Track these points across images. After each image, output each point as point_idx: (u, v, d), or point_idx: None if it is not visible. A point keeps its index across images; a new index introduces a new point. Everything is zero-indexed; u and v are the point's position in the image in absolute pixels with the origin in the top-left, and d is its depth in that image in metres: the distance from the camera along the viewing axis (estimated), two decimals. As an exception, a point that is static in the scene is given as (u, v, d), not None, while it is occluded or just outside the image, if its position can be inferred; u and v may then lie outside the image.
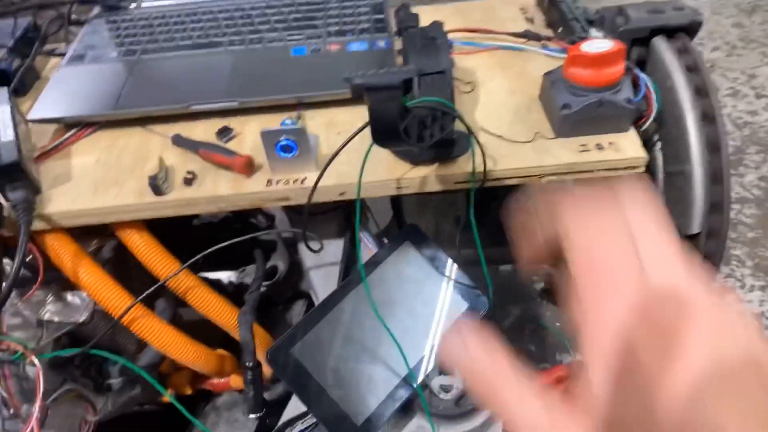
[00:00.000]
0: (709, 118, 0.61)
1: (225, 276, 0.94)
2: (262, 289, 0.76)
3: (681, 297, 0.19)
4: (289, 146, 0.53)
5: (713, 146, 0.61)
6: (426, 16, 0.78)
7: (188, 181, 0.56)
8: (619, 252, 0.20)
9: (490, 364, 0.21)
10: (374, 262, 0.64)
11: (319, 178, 0.48)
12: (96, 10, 0.82)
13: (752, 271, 1.34)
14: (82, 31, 0.78)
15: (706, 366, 0.18)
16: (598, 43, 0.53)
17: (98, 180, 0.58)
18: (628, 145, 0.56)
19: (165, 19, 0.77)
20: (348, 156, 0.53)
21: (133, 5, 0.82)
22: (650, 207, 0.22)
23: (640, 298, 0.19)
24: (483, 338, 0.21)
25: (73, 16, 0.82)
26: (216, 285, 0.91)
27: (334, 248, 0.70)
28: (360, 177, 0.53)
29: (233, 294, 0.91)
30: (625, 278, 0.20)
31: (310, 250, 0.57)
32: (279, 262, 0.86)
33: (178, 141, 0.60)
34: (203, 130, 0.63)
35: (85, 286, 0.58)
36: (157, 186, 0.54)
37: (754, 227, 1.43)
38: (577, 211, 0.22)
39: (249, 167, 0.56)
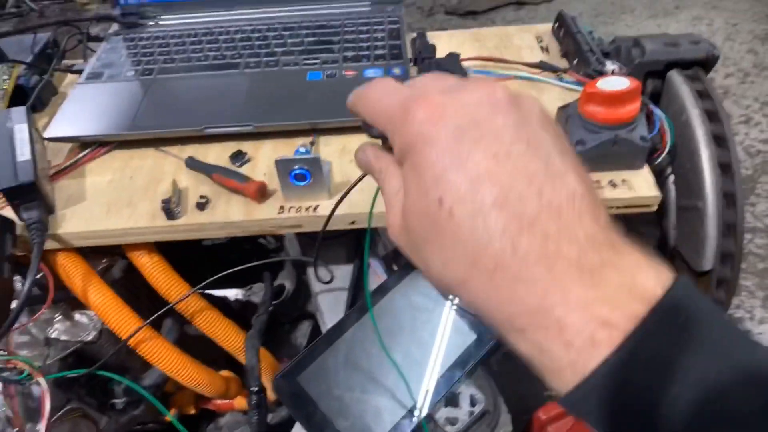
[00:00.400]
0: (723, 156, 0.61)
1: (232, 294, 0.94)
2: (270, 308, 0.76)
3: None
4: (302, 175, 0.53)
5: (727, 185, 0.61)
6: (442, 42, 0.79)
7: (201, 206, 0.57)
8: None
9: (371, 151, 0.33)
10: (383, 290, 0.64)
11: (332, 213, 0.48)
12: (114, 27, 0.83)
13: (762, 302, 1.33)
14: (100, 48, 0.79)
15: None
16: (613, 81, 0.53)
17: (111, 201, 0.59)
18: (641, 183, 0.56)
19: (182, 39, 0.78)
20: (360, 185, 0.53)
21: (151, 23, 0.83)
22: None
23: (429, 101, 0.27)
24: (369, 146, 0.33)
25: (92, 33, 0.83)
26: (222, 303, 0.92)
27: (343, 273, 0.70)
28: (372, 207, 0.53)
29: (239, 312, 0.91)
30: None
31: (320, 281, 0.57)
32: (286, 281, 0.86)
33: (192, 164, 0.61)
34: (217, 153, 0.63)
35: (93, 306, 0.58)
36: (170, 210, 0.55)
37: (765, 258, 1.41)
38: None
39: (261, 193, 0.56)
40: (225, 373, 0.74)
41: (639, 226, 0.73)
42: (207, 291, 0.72)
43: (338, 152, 0.63)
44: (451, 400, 0.62)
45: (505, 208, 0.23)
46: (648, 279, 0.22)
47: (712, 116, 0.62)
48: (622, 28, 2.28)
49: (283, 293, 0.88)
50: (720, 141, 0.61)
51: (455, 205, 0.24)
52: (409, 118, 0.26)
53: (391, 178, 0.29)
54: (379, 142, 0.34)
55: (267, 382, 0.66)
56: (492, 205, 0.23)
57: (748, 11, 2.30)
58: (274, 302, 0.83)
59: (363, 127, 0.32)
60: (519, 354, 0.24)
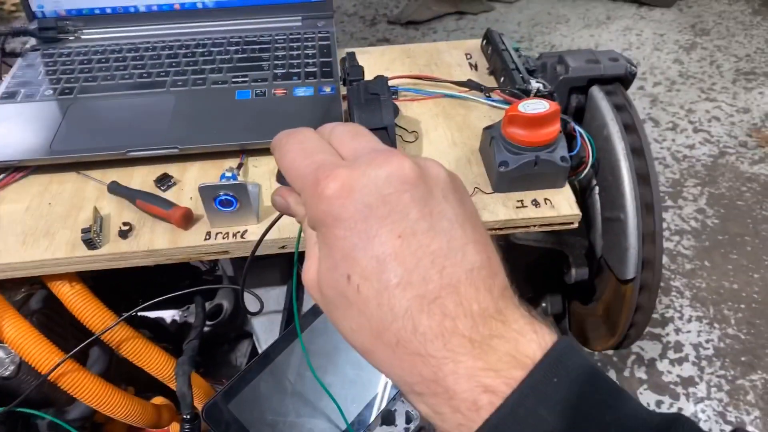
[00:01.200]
0: (641, 169, 0.64)
1: (168, 315, 0.91)
2: (206, 328, 0.74)
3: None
4: (228, 201, 0.52)
5: (646, 197, 0.64)
6: (374, 58, 0.79)
7: (124, 234, 0.55)
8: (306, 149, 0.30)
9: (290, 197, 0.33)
10: (316, 310, 0.64)
11: (258, 243, 0.47)
12: (32, 41, 0.79)
13: (690, 301, 1.40)
14: (16, 64, 0.75)
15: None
16: (535, 104, 0.54)
17: (28, 230, 0.56)
18: (563, 201, 0.58)
19: (105, 55, 0.75)
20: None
21: (71, 37, 0.80)
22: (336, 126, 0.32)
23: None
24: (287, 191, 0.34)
25: (8, 47, 0.79)
26: (158, 325, 0.89)
27: (277, 294, 0.70)
28: (299, 233, 0.52)
29: (175, 333, 0.89)
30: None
31: (248, 313, 0.56)
32: (224, 301, 0.85)
33: (115, 189, 0.59)
34: (142, 177, 0.62)
35: (8, 340, 0.55)
36: (90, 240, 0.53)
37: (692, 258, 1.49)
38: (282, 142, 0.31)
39: (187, 220, 0.55)
40: (158, 399, 0.71)
41: (567, 236, 0.76)
42: (141, 313, 0.70)
43: (268, 174, 0.62)
44: (387, 418, 0.62)
45: (408, 289, 0.25)
46: (529, 345, 0.25)
47: (631, 130, 0.65)
48: (558, 38, 2.36)
49: (221, 313, 0.86)
50: (638, 154, 0.64)
51: (362, 283, 0.26)
52: (319, 191, 0.27)
53: (309, 228, 0.30)
54: None
55: (201, 407, 0.64)
56: (396, 285, 0.25)
57: (674, 22, 2.43)
58: (212, 323, 0.81)
59: (278, 178, 0.33)
60: (418, 411, 0.27)
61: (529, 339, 0.25)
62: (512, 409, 0.23)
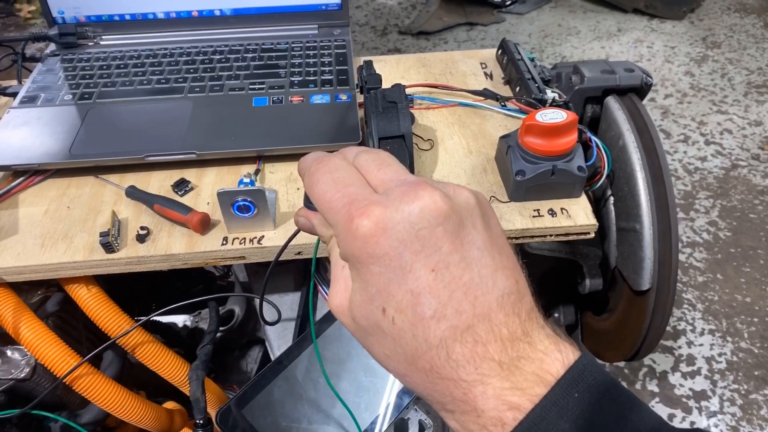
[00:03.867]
0: (658, 180, 0.64)
1: (180, 320, 0.91)
2: (218, 334, 0.74)
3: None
4: (246, 206, 0.53)
5: (662, 207, 0.63)
6: (390, 66, 0.80)
7: (141, 238, 0.55)
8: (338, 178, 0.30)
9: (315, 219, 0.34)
10: (330, 317, 0.64)
11: (279, 254, 0.47)
12: (52, 47, 0.80)
13: (702, 314, 1.39)
14: (36, 69, 0.76)
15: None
16: (552, 114, 0.54)
17: (46, 233, 0.57)
18: (579, 211, 0.58)
19: (124, 60, 0.76)
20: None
21: (90, 43, 0.81)
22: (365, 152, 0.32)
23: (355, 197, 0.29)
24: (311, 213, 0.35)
25: (28, 53, 0.80)
26: (170, 330, 0.89)
27: (291, 301, 0.69)
28: (318, 241, 0.53)
29: (188, 338, 0.89)
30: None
31: (265, 322, 0.56)
32: (236, 306, 0.85)
33: (133, 194, 0.59)
34: (159, 181, 0.62)
35: (25, 342, 0.56)
36: (108, 244, 0.53)
37: (705, 271, 1.48)
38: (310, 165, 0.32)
39: (204, 225, 0.55)
40: (170, 404, 0.71)
41: (582, 246, 0.75)
42: (153, 318, 0.70)
43: (284, 180, 0.62)
44: (400, 427, 0.62)
45: (442, 321, 0.26)
46: (554, 363, 0.26)
47: (647, 141, 0.65)
48: (569, 49, 2.36)
49: (233, 319, 0.86)
50: (654, 164, 0.64)
51: (397, 315, 0.27)
52: (353, 229, 0.27)
53: (337, 251, 0.31)
54: None
55: (213, 413, 0.64)
56: (431, 318, 0.26)
57: (685, 35, 2.42)
58: (223, 328, 0.81)
59: (305, 203, 0.33)
60: (450, 426, 0.28)
61: (554, 358, 0.26)
62: (534, 422, 0.25)
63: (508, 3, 2.65)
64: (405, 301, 0.26)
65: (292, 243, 0.55)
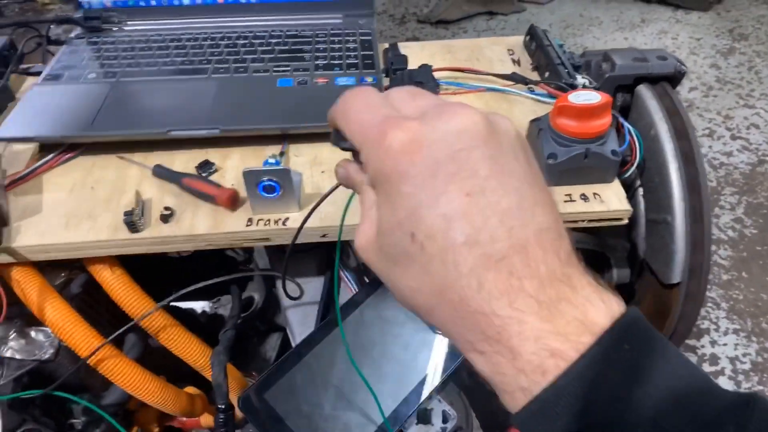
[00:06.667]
0: (691, 170, 0.62)
1: (199, 306, 0.91)
2: (237, 323, 0.74)
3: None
4: (272, 186, 0.52)
5: (695, 201, 0.61)
6: (414, 53, 0.78)
7: (165, 218, 0.54)
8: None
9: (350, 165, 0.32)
10: (353, 303, 0.63)
11: (300, 228, 0.46)
12: (76, 30, 0.80)
13: (727, 313, 1.36)
14: (61, 51, 0.76)
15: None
16: (585, 95, 0.53)
17: (71, 212, 0.56)
18: (612, 196, 0.56)
19: (148, 44, 0.76)
20: (331, 197, 0.52)
21: (115, 28, 0.81)
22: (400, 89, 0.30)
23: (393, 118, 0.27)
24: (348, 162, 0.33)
25: (52, 36, 0.80)
26: (189, 316, 0.89)
27: (314, 286, 0.69)
28: (342, 220, 0.52)
29: (206, 325, 0.89)
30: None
31: (289, 297, 0.55)
32: (255, 293, 0.84)
33: (159, 173, 0.59)
34: (183, 162, 0.61)
35: (50, 323, 0.55)
36: (132, 223, 0.53)
37: (729, 269, 1.45)
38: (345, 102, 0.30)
39: (234, 201, 0.54)
40: (190, 389, 0.71)
41: (608, 238, 0.74)
42: (172, 303, 0.70)
43: (309, 163, 0.61)
44: (423, 417, 0.61)
45: (475, 247, 0.24)
46: (598, 313, 0.24)
47: (680, 132, 0.63)
48: (591, 40, 2.32)
49: (252, 306, 0.86)
50: (688, 157, 0.62)
51: (427, 241, 0.25)
52: (385, 145, 0.25)
53: (368, 192, 0.29)
54: (348, 154, 0.33)
55: (234, 398, 0.64)
56: (463, 244, 0.24)
57: (711, 26, 2.37)
58: (243, 315, 0.80)
59: (333, 139, 0.31)
60: (478, 370, 0.26)
61: (598, 307, 0.24)
62: (581, 372, 0.23)
63: (529, -7, 2.62)
64: (436, 226, 0.24)
65: (316, 225, 0.54)
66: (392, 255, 0.27)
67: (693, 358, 1.29)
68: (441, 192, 0.24)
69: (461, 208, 0.24)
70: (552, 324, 0.23)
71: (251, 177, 0.51)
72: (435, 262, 0.25)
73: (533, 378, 0.23)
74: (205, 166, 0.60)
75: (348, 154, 0.33)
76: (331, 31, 0.78)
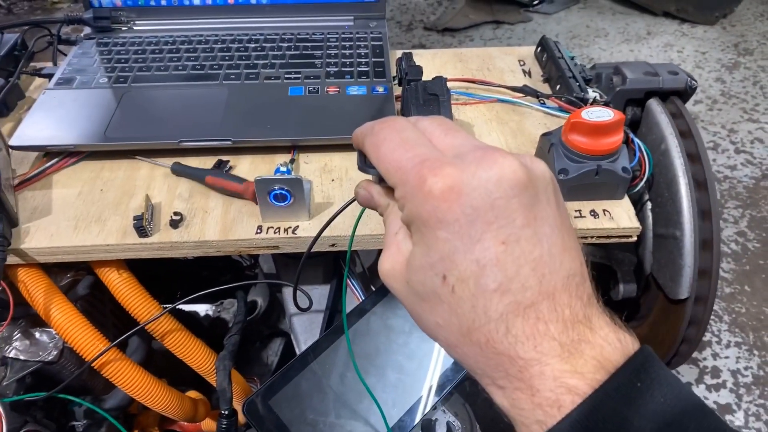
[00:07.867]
0: (701, 186, 0.62)
1: (202, 309, 0.91)
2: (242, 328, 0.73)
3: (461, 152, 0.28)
4: (283, 195, 0.52)
5: (704, 214, 0.61)
6: (425, 60, 0.78)
7: (174, 223, 0.54)
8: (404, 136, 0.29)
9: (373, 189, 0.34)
10: (359, 312, 0.63)
11: (314, 241, 0.46)
12: (87, 30, 0.80)
13: (729, 326, 1.36)
14: (72, 52, 0.76)
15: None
16: (598, 112, 0.53)
17: (79, 215, 0.56)
18: (622, 213, 0.56)
19: (158, 46, 0.76)
20: (338, 205, 0.52)
21: (124, 28, 0.81)
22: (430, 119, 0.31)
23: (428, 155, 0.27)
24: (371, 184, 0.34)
25: (63, 36, 0.80)
26: (192, 319, 0.89)
27: (320, 294, 0.69)
28: (353, 231, 0.52)
29: (209, 328, 0.89)
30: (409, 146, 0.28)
31: (299, 309, 0.55)
32: (258, 298, 0.84)
33: (179, 170, 0.58)
34: (196, 164, 0.61)
35: (55, 325, 0.55)
36: (141, 228, 0.52)
37: (732, 282, 1.45)
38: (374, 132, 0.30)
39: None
40: (193, 393, 0.71)
41: (616, 252, 0.73)
42: (177, 306, 0.69)
43: (319, 171, 0.61)
44: (428, 428, 0.60)
45: (506, 295, 0.25)
46: (614, 352, 0.25)
47: (691, 148, 0.63)
48: (597, 52, 2.32)
49: (256, 310, 0.85)
50: (698, 171, 0.62)
51: (458, 284, 0.26)
52: (425, 190, 0.26)
53: (393, 218, 0.30)
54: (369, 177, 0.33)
55: (237, 404, 0.63)
56: (494, 291, 0.25)
57: (717, 40, 2.38)
58: (247, 319, 0.80)
59: (359, 164, 0.31)
60: (496, 402, 0.27)
61: (614, 347, 0.25)
62: (595, 407, 0.24)
63: (536, 2, 2.62)
64: (469, 271, 0.25)
65: (326, 235, 0.54)
66: (420, 292, 0.27)
67: (695, 371, 1.29)
68: (477, 239, 0.25)
69: (495, 257, 0.25)
70: (571, 364, 0.25)
71: (263, 185, 0.51)
72: (464, 305, 0.26)
73: (549, 412, 0.24)
74: (221, 165, 0.60)
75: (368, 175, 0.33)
76: (342, 35, 0.78)
